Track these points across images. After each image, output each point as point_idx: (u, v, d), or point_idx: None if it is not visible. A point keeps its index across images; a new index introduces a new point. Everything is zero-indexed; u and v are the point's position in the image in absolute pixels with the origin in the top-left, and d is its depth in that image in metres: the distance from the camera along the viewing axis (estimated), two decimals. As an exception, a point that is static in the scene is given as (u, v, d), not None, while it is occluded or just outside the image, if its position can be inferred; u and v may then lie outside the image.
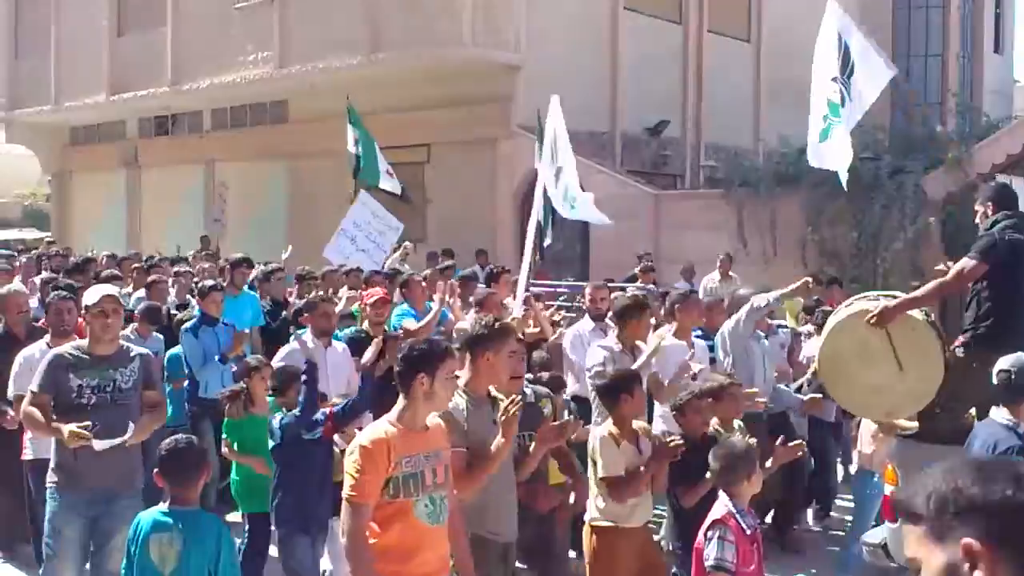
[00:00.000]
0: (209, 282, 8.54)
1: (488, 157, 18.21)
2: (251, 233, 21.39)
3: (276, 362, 6.27)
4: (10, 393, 5.70)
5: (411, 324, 7.74)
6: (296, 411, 5.30)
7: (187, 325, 7.85)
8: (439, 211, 19.00)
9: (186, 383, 7.72)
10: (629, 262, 14.16)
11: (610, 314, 7.03)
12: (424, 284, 9.21)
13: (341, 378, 6.66)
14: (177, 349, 7.82)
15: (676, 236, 16.23)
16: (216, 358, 7.60)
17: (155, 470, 4.15)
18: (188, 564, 3.99)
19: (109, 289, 5.23)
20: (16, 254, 15.36)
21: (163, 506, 4.11)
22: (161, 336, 7.96)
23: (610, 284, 9.57)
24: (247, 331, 8.08)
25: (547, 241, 11.05)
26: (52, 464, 4.95)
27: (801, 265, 14.43)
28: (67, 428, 4.64)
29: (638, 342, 6.37)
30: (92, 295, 5.01)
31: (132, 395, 4.97)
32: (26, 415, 4.97)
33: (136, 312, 8.04)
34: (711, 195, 17.07)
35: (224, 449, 6.11)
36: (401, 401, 3.79)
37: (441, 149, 18.94)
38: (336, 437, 5.45)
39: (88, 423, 4.67)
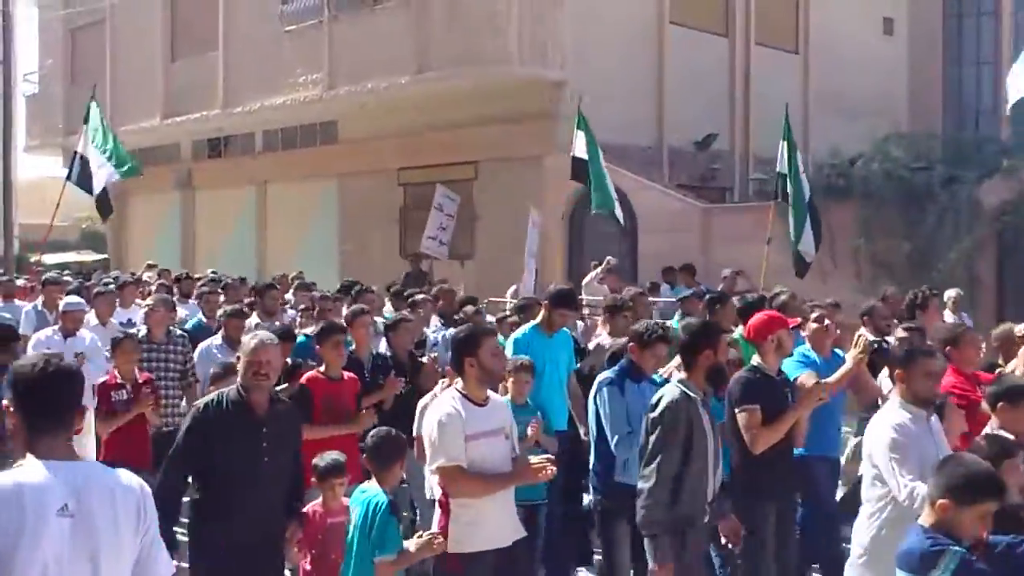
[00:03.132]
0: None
1: (535, 173, 18.25)
2: (301, 253, 21.67)
3: None
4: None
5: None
6: None
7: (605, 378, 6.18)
8: (487, 228, 19.10)
9: None
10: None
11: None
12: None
13: None
14: None
15: (727, 249, 16.11)
16: None
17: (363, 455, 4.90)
18: None
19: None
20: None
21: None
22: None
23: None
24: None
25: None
26: None
27: (855, 278, 14.29)
28: None
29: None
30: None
31: None
32: None
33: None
34: (761, 207, 16.93)
35: None
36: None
37: (489, 166, 19.05)
38: None
39: None
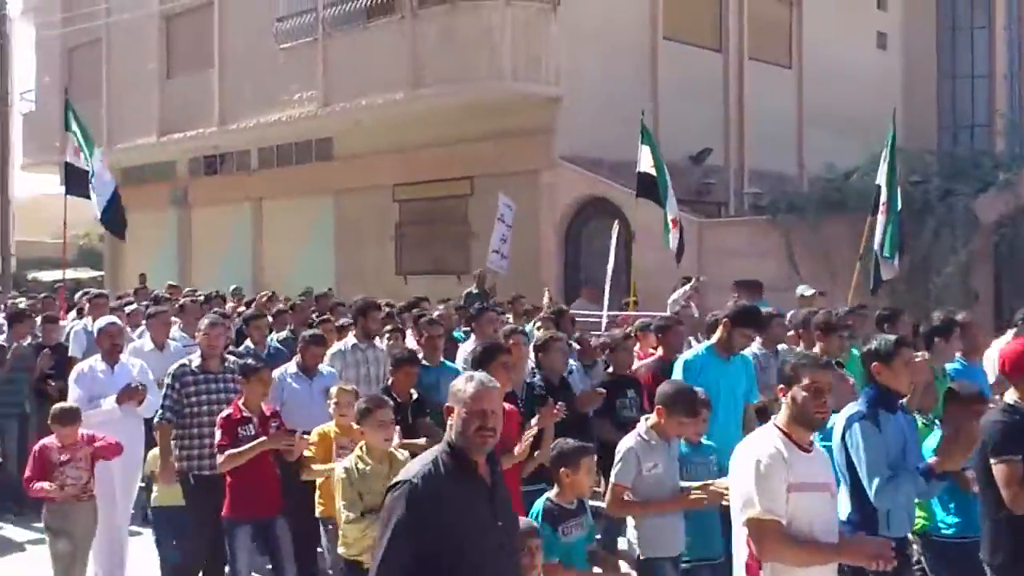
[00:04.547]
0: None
1: (530, 189, 18.28)
2: (297, 270, 21.65)
3: None
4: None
5: None
6: None
7: None
8: (483, 243, 19.05)
9: None
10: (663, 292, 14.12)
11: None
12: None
13: None
14: None
15: (722, 263, 16.11)
16: None
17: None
18: None
19: None
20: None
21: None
22: None
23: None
24: None
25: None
26: None
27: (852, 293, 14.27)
28: None
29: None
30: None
31: None
32: None
33: None
34: (756, 222, 16.96)
35: None
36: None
37: (484, 182, 19.06)
38: None
39: None
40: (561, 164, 17.87)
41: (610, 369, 7.54)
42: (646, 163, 13.08)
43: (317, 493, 6.16)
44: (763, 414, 6.17)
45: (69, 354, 9.86)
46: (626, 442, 5.10)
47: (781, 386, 3.88)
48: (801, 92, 22.63)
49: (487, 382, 3.56)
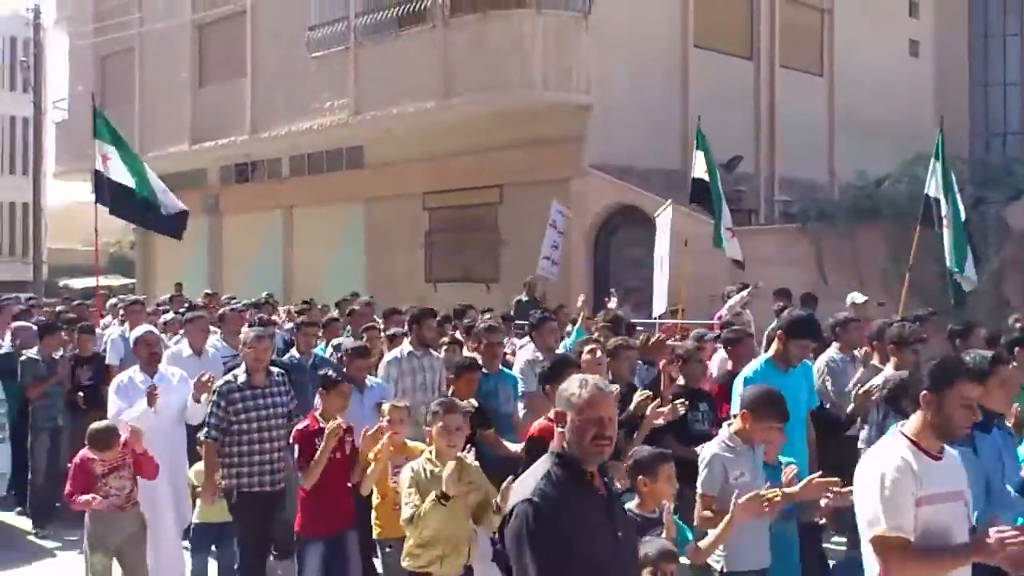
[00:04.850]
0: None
1: (561, 197, 18.27)
2: (327, 278, 21.78)
3: None
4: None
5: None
6: None
7: None
8: (513, 251, 19.14)
9: None
10: (705, 299, 14.07)
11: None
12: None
13: None
14: None
15: (751, 271, 16.02)
16: None
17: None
18: None
19: None
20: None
21: None
22: None
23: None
24: None
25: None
26: None
27: (885, 298, 14.19)
28: None
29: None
30: None
31: None
32: None
33: None
34: (786, 229, 16.91)
35: None
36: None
37: (514, 190, 19.12)
38: None
39: None
40: (591, 172, 17.89)
41: (680, 381, 7.15)
42: (700, 169, 12.83)
43: (374, 515, 5.95)
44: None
45: (107, 362, 9.88)
46: (710, 449, 4.92)
47: (925, 392, 3.57)
48: (832, 99, 22.55)
49: (603, 387, 3.31)
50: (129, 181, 12.27)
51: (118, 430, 6.28)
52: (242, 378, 6.51)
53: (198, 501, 6.93)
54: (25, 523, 9.44)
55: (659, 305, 12.81)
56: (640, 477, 4.61)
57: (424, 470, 5.11)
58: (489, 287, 18.92)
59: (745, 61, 21.08)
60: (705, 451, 4.95)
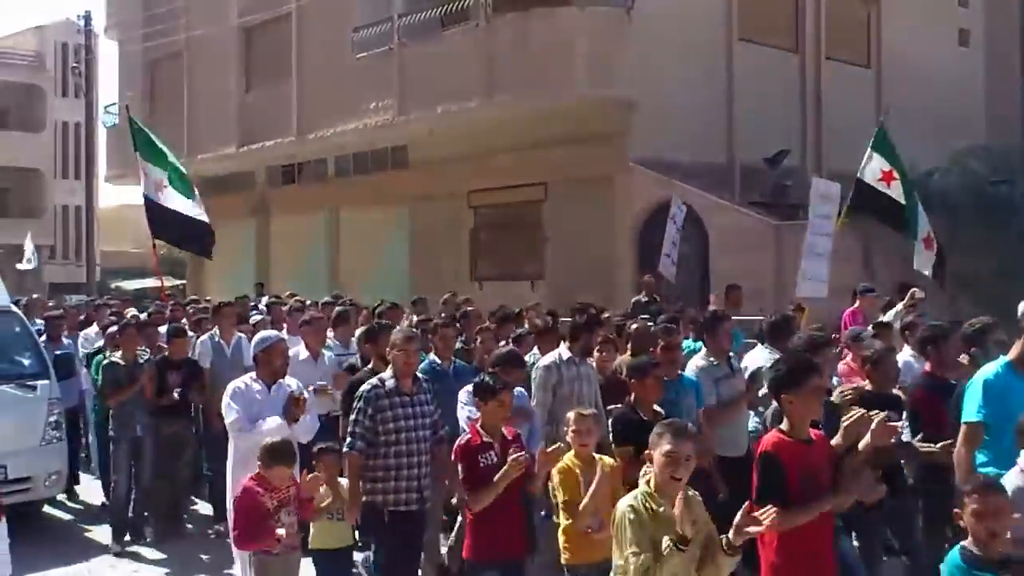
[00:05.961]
0: None
1: (605, 193, 18.28)
2: (373, 277, 21.94)
3: None
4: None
5: None
6: None
7: None
8: (557, 248, 19.15)
9: None
10: (750, 294, 13.85)
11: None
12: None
13: None
14: None
15: (798, 266, 15.89)
16: None
17: None
18: None
19: None
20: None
21: None
22: None
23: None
24: None
25: None
26: None
27: (935, 296, 13.98)
28: None
29: None
30: None
31: None
32: None
33: None
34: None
35: None
36: None
37: (558, 187, 19.11)
38: None
39: None
40: (635, 168, 17.84)
41: (868, 386, 6.32)
42: (873, 173, 11.40)
43: (562, 538, 5.24)
44: None
45: (203, 366, 9.35)
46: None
47: None
48: (880, 92, 22.22)
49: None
50: (179, 205, 12.53)
51: (294, 447, 5.67)
52: (390, 383, 5.90)
53: (311, 526, 6.07)
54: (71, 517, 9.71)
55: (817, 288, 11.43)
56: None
57: (644, 507, 4.11)
58: (534, 284, 18.94)
59: (791, 54, 20.88)
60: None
